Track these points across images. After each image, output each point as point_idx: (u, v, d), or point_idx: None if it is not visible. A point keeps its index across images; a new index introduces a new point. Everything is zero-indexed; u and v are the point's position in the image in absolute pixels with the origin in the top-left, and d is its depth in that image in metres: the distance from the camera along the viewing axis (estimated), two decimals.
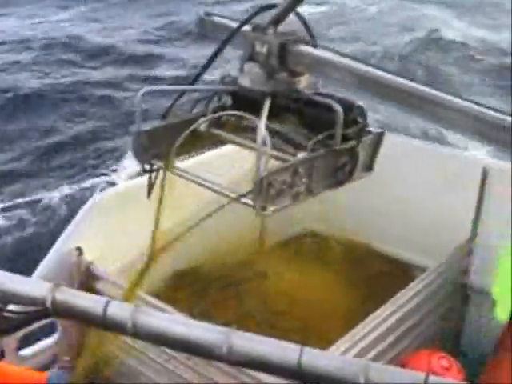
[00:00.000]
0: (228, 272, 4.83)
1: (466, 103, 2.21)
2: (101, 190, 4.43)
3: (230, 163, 4.03)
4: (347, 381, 1.79)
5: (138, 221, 4.28)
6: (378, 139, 2.55)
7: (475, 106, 2.21)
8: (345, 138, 2.43)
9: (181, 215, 4.47)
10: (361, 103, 2.46)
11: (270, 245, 5.22)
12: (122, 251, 4.31)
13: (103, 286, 4.15)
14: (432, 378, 1.80)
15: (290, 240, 5.49)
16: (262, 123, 2.29)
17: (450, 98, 2.23)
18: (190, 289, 4.66)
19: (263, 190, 2.23)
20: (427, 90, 2.24)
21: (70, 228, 4.29)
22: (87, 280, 4.18)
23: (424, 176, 5.03)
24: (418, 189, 5.05)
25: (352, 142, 2.43)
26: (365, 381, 1.76)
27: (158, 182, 2.70)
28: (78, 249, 4.17)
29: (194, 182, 2.62)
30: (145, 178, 3.86)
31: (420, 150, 5.16)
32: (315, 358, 1.84)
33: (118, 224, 4.34)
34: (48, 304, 2.25)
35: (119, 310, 2.13)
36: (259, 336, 1.94)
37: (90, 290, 4.09)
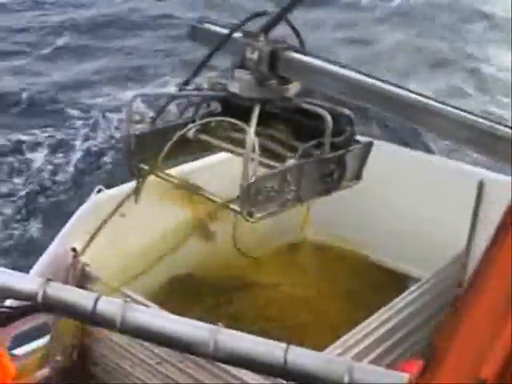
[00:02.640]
0: (222, 279, 4.84)
1: (457, 111, 2.23)
2: (97, 192, 4.43)
3: (221, 170, 4.04)
4: (332, 380, 1.80)
5: (133, 223, 4.32)
6: (367, 149, 2.56)
7: (466, 114, 2.22)
8: (333, 147, 2.44)
9: (171, 221, 4.54)
10: (349, 112, 2.48)
11: (265, 252, 5.23)
12: (117, 253, 4.33)
13: (97, 287, 4.15)
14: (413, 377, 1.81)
15: (286, 248, 5.49)
16: (251, 129, 2.29)
17: (440, 105, 2.25)
18: (184, 294, 4.67)
19: (250, 195, 2.23)
20: (415, 96, 2.25)
21: (66, 228, 4.30)
22: (82, 281, 4.19)
23: (421, 187, 5.04)
24: (415, 200, 5.06)
25: (340, 151, 2.45)
26: (349, 380, 1.77)
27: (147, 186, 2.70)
28: (74, 250, 4.18)
29: (181, 187, 2.62)
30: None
31: (418, 161, 5.17)
32: (301, 357, 1.86)
33: (114, 226, 4.35)
34: (39, 298, 2.26)
35: (109, 306, 2.14)
36: (246, 334, 1.95)
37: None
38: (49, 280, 2.35)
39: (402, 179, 5.07)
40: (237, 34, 2.53)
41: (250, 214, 2.29)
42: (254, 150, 2.26)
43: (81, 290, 2.31)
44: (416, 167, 5.09)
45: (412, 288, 4.49)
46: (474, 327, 1.14)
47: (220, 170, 4.10)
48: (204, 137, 2.62)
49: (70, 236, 4.23)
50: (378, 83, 2.33)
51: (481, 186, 4.81)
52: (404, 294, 4.36)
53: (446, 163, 5.13)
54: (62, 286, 2.34)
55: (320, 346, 3.73)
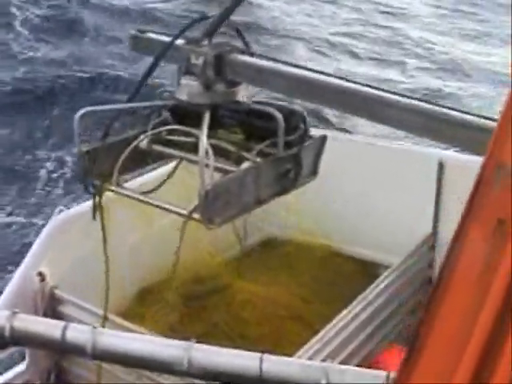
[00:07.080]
0: (195, 285, 4.81)
1: (408, 100, 2.23)
2: (59, 212, 4.36)
3: (177, 180, 4.03)
4: None
5: (99, 241, 4.26)
6: (321, 143, 2.55)
7: (420, 103, 2.23)
8: (287, 145, 2.43)
9: (137, 233, 4.49)
10: (301, 109, 2.47)
11: (232, 255, 5.21)
12: (85, 273, 4.27)
13: (68, 309, 4.10)
14: (393, 376, 1.81)
15: (252, 248, 5.47)
16: (203, 135, 2.28)
17: (391, 96, 2.25)
18: (156, 306, 4.62)
19: (209, 202, 2.21)
20: (366, 89, 2.25)
21: (30, 253, 4.23)
22: (52, 305, 4.13)
23: (381, 174, 5.05)
24: (376, 187, 5.07)
25: (294, 149, 2.43)
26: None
27: (103, 202, 2.66)
28: (40, 274, 4.12)
29: (139, 200, 2.58)
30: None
31: (376, 148, 5.18)
32: (276, 365, 1.84)
33: (80, 245, 4.29)
34: (7, 333, 2.22)
35: (77, 333, 2.11)
36: (218, 348, 1.93)
37: (56, 314, 4.05)
38: (15, 312, 2.31)
39: (361, 167, 5.09)
40: (179, 41, 2.51)
41: (211, 221, 2.28)
42: (208, 156, 2.25)
43: (48, 320, 2.28)
44: (374, 154, 5.11)
45: (383, 275, 4.51)
46: (451, 317, 1.14)
47: (178, 178, 4.07)
48: (157, 147, 2.59)
49: (35, 261, 4.17)
50: (328, 79, 2.32)
51: (441, 167, 4.84)
52: (376, 282, 4.37)
53: (403, 147, 5.15)
54: (30, 318, 2.30)
55: (299, 344, 3.73)
